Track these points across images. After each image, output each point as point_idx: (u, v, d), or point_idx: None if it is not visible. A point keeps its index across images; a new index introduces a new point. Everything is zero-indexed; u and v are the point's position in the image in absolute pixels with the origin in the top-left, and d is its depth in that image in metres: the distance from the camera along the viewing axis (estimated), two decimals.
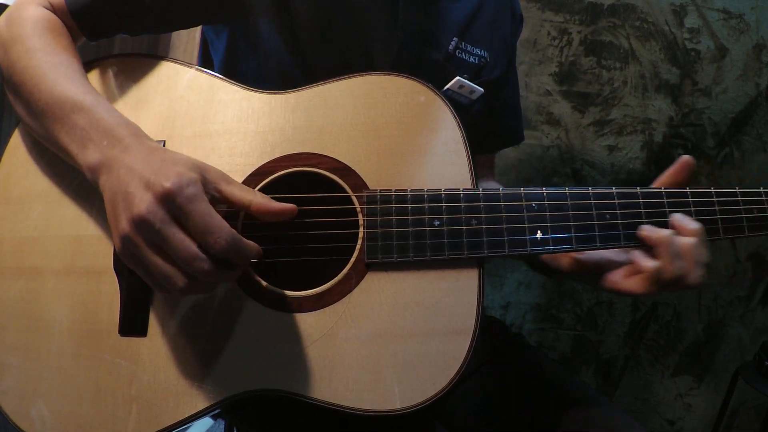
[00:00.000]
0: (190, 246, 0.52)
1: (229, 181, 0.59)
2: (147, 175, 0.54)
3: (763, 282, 1.63)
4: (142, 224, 0.52)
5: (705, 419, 1.71)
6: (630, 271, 0.68)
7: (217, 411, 0.65)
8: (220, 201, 0.58)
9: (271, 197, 0.67)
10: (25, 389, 0.65)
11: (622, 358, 1.69)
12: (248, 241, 0.57)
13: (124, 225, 0.54)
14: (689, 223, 0.65)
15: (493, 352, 0.90)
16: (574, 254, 0.74)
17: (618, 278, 0.69)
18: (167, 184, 0.52)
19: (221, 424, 1.50)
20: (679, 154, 1.56)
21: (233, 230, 0.54)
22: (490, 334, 0.93)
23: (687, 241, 0.64)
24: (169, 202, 0.52)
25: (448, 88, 0.85)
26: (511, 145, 1.08)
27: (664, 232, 0.64)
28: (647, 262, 0.65)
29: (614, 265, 0.70)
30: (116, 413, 0.63)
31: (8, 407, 0.65)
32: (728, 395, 1.57)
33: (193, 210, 0.52)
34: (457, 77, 0.84)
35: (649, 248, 0.65)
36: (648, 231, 0.65)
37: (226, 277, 0.56)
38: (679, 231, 0.65)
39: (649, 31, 1.53)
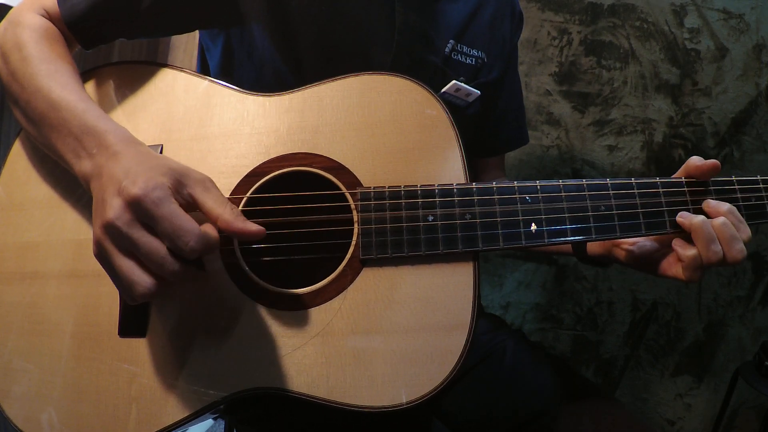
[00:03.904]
0: (158, 249, 0.53)
1: (207, 188, 0.58)
2: (121, 181, 0.55)
3: (763, 282, 1.63)
4: (110, 229, 0.53)
5: (705, 419, 1.70)
6: (675, 258, 0.70)
7: (217, 411, 0.65)
8: (194, 207, 0.58)
9: (267, 197, 0.68)
10: (27, 392, 0.66)
11: (622, 358, 1.68)
12: (216, 235, 0.56)
13: (97, 230, 0.55)
14: (719, 205, 0.67)
15: (491, 349, 0.90)
16: (627, 246, 0.76)
17: (666, 266, 0.72)
18: (134, 190, 0.53)
19: (221, 424, 1.50)
20: (679, 155, 1.57)
21: (201, 229, 0.54)
22: (489, 331, 0.93)
23: (718, 222, 0.65)
24: (137, 207, 0.53)
25: (444, 91, 0.85)
26: (517, 148, 1.08)
27: (698, 219, 0.65)
28: (687, 251, 0.67)
29: (662, 252, 0.73)
30: (117, 414, 0.64)
31: (10, 409, 0.66)
32: (728, 395, 1.56)
33: (159, 213, 0.53)
34: (454, 81, 0.84)
35: (688, 234, 0.67)
36: (683, 218, 0.67)
37: (198, 275, 0.57)
38: (710, 215, 0.67)
39: (649, 31, 1.52)
